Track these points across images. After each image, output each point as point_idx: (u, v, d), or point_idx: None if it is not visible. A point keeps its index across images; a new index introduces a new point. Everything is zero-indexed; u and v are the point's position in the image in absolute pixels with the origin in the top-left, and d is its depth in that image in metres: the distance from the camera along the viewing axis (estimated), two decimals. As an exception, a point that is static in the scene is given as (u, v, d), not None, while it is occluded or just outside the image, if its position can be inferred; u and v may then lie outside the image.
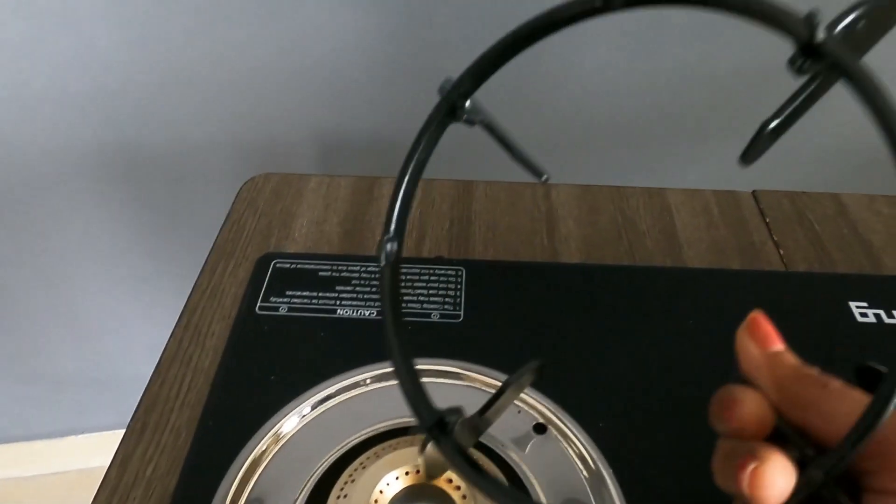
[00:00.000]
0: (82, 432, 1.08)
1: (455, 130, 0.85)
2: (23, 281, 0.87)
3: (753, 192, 0.54)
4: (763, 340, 0.24)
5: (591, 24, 0.71)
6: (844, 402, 0.21)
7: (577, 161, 0.77)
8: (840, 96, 0.74)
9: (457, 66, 0.81)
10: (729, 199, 0.54)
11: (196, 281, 0.47)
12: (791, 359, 0.23)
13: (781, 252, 0.49)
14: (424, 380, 0.33)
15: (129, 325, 0.94)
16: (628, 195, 0.54)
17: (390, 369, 0.33)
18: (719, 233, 0.51)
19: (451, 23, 0.68)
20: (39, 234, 0.83)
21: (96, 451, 1.08)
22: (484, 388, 0.32)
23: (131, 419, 0.39)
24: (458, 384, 0.32)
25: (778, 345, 0.24)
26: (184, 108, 0.73)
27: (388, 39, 0.69)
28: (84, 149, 0.75)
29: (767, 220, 0.52)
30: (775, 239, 0.50)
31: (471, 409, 0.32)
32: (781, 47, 0.67)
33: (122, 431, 1.13)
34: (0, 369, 0.97)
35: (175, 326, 0.44)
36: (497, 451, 0.29)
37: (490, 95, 0.82)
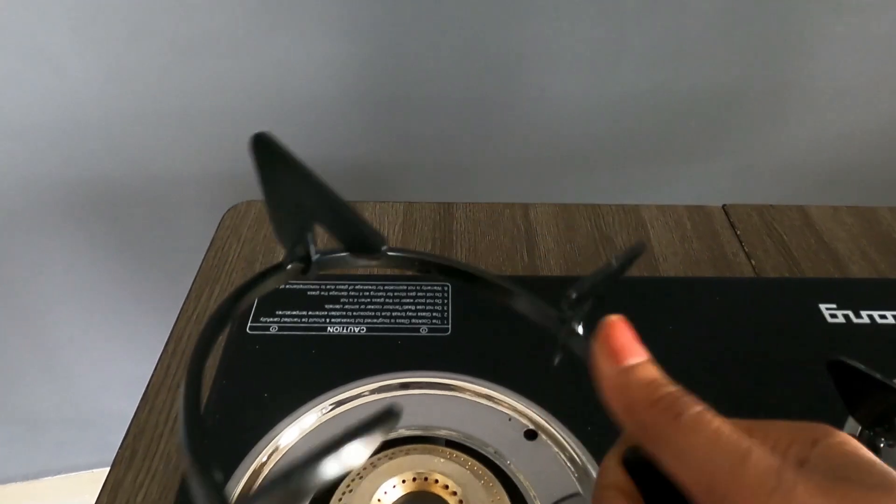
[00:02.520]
0: (59, 472, 1.05)
1: (433, 153, 0.86)
2: (-4, 318, 0.86)
3: (724, 206, 0.56)
4: (616, 355, 0.19)
5: (558, 54, 0.74)
6: (699, 437, 0.17)
7: (553, 183, 0.79)
8: (798, 117, 0.78)
9: (427, 93, 0.83)
10: (701, 213, 0.56)
11: (181, 307, 0.47)
12: (646, 374, 0.19)
13: (753, 262, 0.51)
14: (416, 392, 0.33)
15: (107, 361, 0.92)
16: (604, 212, 0.55)
17: (385, 382, 0.34)
18: (693, 246, 0.52)
19: (423, 52, 0.70)
20: (13, 270, 0.82)
21: (74, 491, 1.06)
22: (475, 398, 0.33)
23: (120, 446, 0.39)
24: (448, 395, 0.33)
25: (635, 357, 0.20)
26: (160, 141, 0.73)
27: (362, 69, 0.71)
28: (57, 183, 0.75)
29: (738, 233, 0.53)
30: (746, 250, 0.52)
31: (464, 420, 0.32)
32: (738, 71, 0.70)
33: (102, 470, 1.12)
34: (-27, 410, 0.95)
35: (161, 353, 0.44)
36: (490, 457, 0.30)
37: (466, 122, 0.84)
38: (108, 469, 1.06)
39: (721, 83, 0.74)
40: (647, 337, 0.40)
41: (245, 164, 0.82)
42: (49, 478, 1.05)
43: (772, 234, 0.53)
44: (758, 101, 0.75)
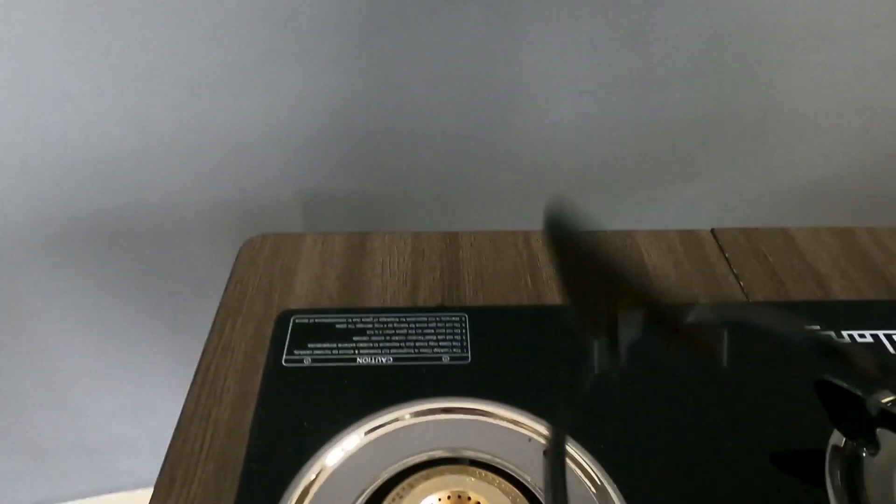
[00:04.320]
0: (66, 500, 1.06)
1: (435, 183, 0.90)
2: None
3: (712, 230, 0.60)
4: None
5: (549, 86, 0.78)
6: None
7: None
8: (778, 142, 0.82)
9: (425, 126, 0.86)
10: (691, 237, 0.59)
11: (207, 339, 0.49)
12: None
13: (742, 284, 0.54)
14: (443, 417, 0.36)
15: (114, 389, 0.94)
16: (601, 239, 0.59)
17: (416, 408, 0.36)
18: (685, 269, 0.56)
19: (421, 86, 0.73)
20: (21, 301, 0.84)
21: (78, 519, 1.06)
22: (498, 421, 0.36)
23: (159, 475, 0.41)
24: (472, 419, 0.36)
25: None
26: (167, 175, 0.76)
27: (363, 103, 0.74)
28: (66, 217, 0.77)
29: (727, 256, 0.57)
30: (735, 272, 0.55)
31: (489, 442, 0.35)
32: (721, 98, 0.75)
33: (109, 496, 1.12)
34: (-21, 441, 0.96)
35: (191, 385, 0.46)
36: (514, 475, 0.33)
37: (464, 152, 0.88)
38: (114, 495, 1.08)
39: (705, 110, 0.79)
40: (655, 361, 0.43)
41: (251, 196, 0.85)
42: (54, 506, 1.06)
43: (758, 256, 0.57)
44: (740, 127, 0.79)
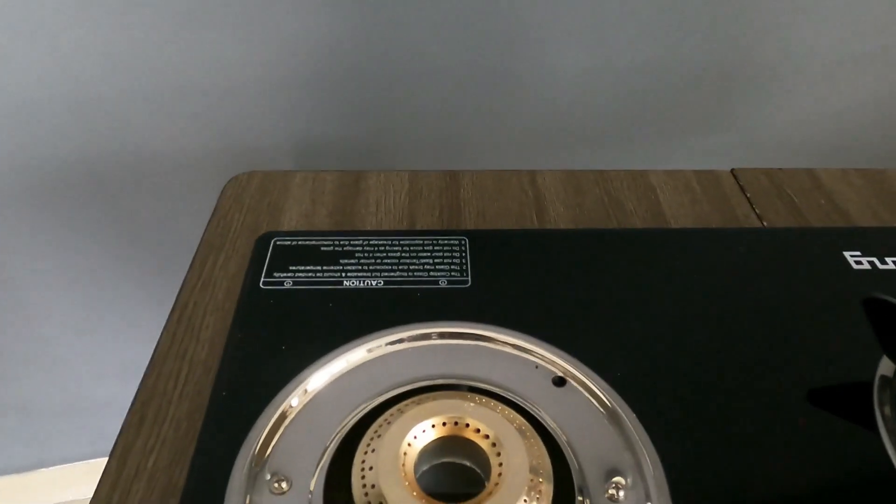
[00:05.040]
0: (51, 465, 1.03)
1: (437, 122, 0.85)
2: (-13, 306, 0.84)
3: (732, 170, 0.56)
4: None
5: (558, 24, 0.72)
6: None
7: (554, 155, 0.78)
8: (800, 87, 0.77)
9: (424, 67, 0.82)
10: (709, 177, 0.55)
11: (185, 277, 0.46)
12: None
13: (765, 223, 0.50)
14: (440, 342, 0.32)
15: (100, 348, 0.91)
16: (612, 178, 0.55)
17: (411, 332, 0.33)
18: (703, 208, 0.52)
19: (420, 24, 0.69)
20: (0, 254, 0.80)
21: (67, 483, 1.04)
22: (501, 347, 0.32)
23: (128, 412, 0.37)
24: (473, 344, 0.32)
25: None
26: (152, 118, 0.72)
27: (360, 42, 0.70)
28: (45, 162, 0.73)
29: (748, 195, 0.53)
30: (757, 212, 0.51)
31: (491, 369, 0.31)
32: (741, 41, 0.69)
33: (97, 461, 1.10)
34: (-36, 400, 0.93)
35: (167, 321, 0.43)
36: (521, 404, 0.29)
37: (467, 94, 0.83)
38: (103, 459, 1.04)
39: (722, 55, 0.74)
40: (671, 288, 0.39)
41: (240, 141, 0.81)
42: (43, 469, 1.03)
43: (782, 196, 0.53)
44: (760, 72, 0.75)
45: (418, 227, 0.49)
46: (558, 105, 0.75)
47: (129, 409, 0.37)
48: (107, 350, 0.90)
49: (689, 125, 0.78)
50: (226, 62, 0.69)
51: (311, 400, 0.30)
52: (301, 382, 0.30)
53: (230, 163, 0.75)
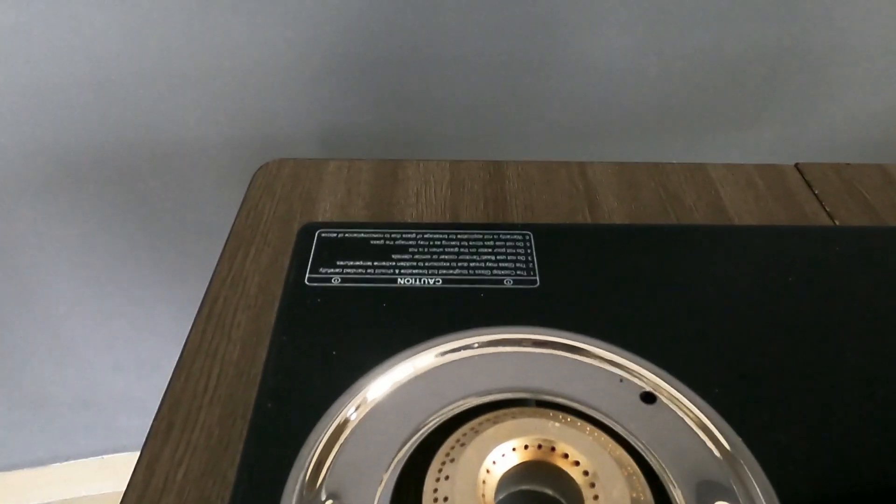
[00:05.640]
0: (67, 459, 1.01)
1: (474, 111, 0.81)
2: None
3: (797, 164, 0.52)
4: None
5: (600, 12, 0.67)
6: None
7: (607, 148, 0.74)
8: (858, 79, 0.71)
9: (458, 52, 0.77)
10: (772, 172, 0.51)
11: (215, 269, 0.42)
12: None
13: (836, 222, 0.46)
14: (510, 349, 0.29)
15: (118, 342, 0.88)
16: (668, 171, 0.51)
17: (480, 338, 0.29)
18: (768, 205, 0.48)
19: (458, 8, 0.65)
20: (18, 244, 0.77)
21: (83, 479, 1.01)
22: (580, 357, 0.29)
23: (154, 419, 0.34)
24: (547, 353, 0.29)
25: None
26: (179, 102, 0.69)
27: (395, 27, 0.66)
28: (66, 147, 0.70)
29: (816, 192, 0.49)
30: (827, 209, 0.47)
31: (570, 381, 0.27)
32: (794, 29, 0.63)
33: (112, 457, 1.06)
34: (-22, 393, 0.90)
35: (196, 317, 0.39)
36: (607, 423, 0.26)
37: (502, 78, 0.79)
38: (117, 455, 1.01)
39: (770, 45, 0.70)
40: (763, 289, 0.35)
41: (267, 129, 0.77)
42: (57, 465, 1.01)
43: (852, 193, 0.49)
44: (814, 61, 0.71)
45: (462, 221, 0.46)
46: (600, 93, 0.72)
47: (156, 416, 0.34)
48: (123, 344, 0.88)
49: (738, 116, 0.74)
50: (254, 45, 0.65)
51: (369, 412, 0.26)
52: (358, 392, 0.26)
53: (256, 150, 0.72)
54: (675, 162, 0.52)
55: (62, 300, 0.83)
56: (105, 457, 1.01)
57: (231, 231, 0.45)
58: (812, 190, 0.49)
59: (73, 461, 1.01)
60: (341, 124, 0.72)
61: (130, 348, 0.88)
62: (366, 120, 0.71)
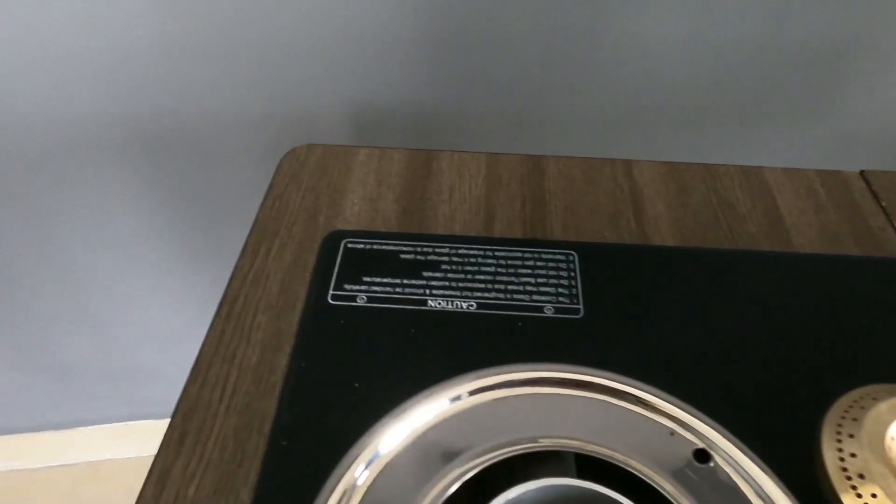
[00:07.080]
0: (91, 424, 1.02)
1: (514, 95, 0.76)
2: (29, 264, 0.81)
3: (862, 172, 0.48)
4: None
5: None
6: None
7: (655, 139, 0.71)
8: None
9: (494, 28, 0.73)
10: (835, 179, 0.47)
11: (236, 264, 0.41)
12: None
13: (905, 240, 0.43)
14: (547, 391, 0.26)
15: (143, 312, 0.88)
16: (720, 174, 0.48)
17: (514, 375, 0.27)
18: (829, 216, 0.44)
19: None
20: (46, 214, 0.77)
21: (106, 444, 1.03)
22: (625, 403, 0.26)
23: (168, 427, 0.33)
24: (588, 397, 0.26)
25: None
26: (209, 76, 0.67)
27: (431, 3, 0.63)
28: (94, 119, 0.69)
29: (883, 204, 0.45)
30: (895, 224, 0.44)
31: (619, 429, 0.24)
32: (868, 16, 0.56)
33: (135, 423, 1.07)
34: (6, 358, 0.91)
35: (214, 317, 0.38)
36: (654, 485, 0.23)
37: (546, 60, 0.74)
38: (140, 422, 1.01)
39: (838, 36, 0.65)
40: (838, 327, 0.32)
41: (298, 107, 0.74)
42: (82, 428, 1.02)
43: (923, 207, 0.45)
44: (886, 55, 0.66)
45: (497, 220, 0.43)
46: (647, 78, 0.68)
47: (169, 424, 0.33)
48: (148, 317, 0.87)
49: (793, 110, 0.70)
50: (286, 22, 0.63)
51: (391, 461, 0.24)
52: (377, 437, 0.24)
53: (287, 128, 0.70)
54: (728, 164, 0.48)
55: (90, 272, 0.83)
56: (129, 423, 1.02)
57: (255, 221, 0.43)
58: (879, 201, 0.46)
59: (97, 426, 1.02)
60: (374, 104, 0.69)
61: (154, 322, 0.88)
62: (400, 99, 0.68)
